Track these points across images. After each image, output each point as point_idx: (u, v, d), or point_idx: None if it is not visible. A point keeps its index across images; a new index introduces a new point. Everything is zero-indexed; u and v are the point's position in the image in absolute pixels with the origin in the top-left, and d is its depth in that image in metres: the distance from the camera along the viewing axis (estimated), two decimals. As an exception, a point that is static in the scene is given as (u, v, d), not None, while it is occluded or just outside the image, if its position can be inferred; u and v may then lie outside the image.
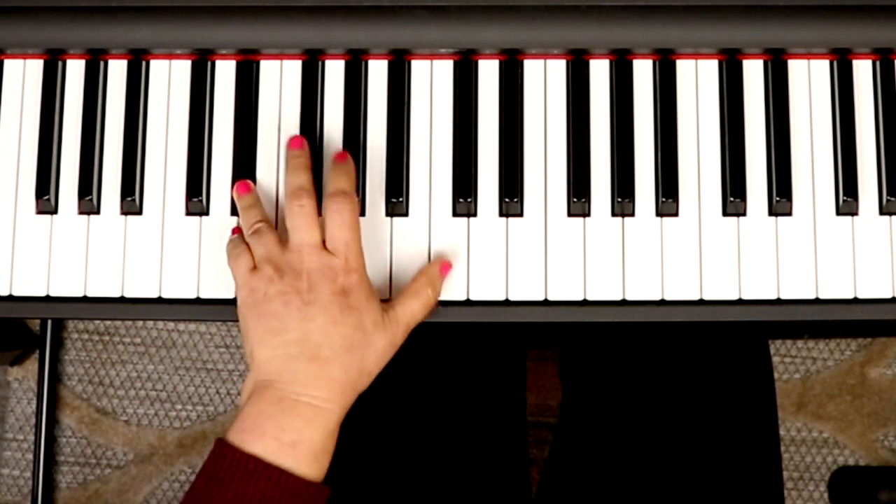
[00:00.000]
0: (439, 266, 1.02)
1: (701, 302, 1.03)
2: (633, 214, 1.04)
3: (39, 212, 1.06)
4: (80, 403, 1.82)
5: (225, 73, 1.07)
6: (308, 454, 0.92)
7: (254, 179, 1.05)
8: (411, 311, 0.99)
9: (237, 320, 1.02)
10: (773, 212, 1.04)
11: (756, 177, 1.05)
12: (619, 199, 1.04)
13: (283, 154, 1.06)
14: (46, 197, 1.05)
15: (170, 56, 1.07)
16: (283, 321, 0.94)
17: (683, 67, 1.06)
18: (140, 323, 1.82)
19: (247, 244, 1.00)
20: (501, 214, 1.05)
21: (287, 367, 0.94)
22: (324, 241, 0.97)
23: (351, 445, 1.16)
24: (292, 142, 1.03)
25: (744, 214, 1.04)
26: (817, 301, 1.03)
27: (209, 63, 1.07)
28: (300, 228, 0.97)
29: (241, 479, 0.90)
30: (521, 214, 1.04)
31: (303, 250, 0.96)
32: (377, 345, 0.96)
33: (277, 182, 1.06)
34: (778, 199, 1.03)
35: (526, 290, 1.03)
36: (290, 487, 0.90)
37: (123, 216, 1.05)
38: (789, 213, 1.04)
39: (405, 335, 0.98)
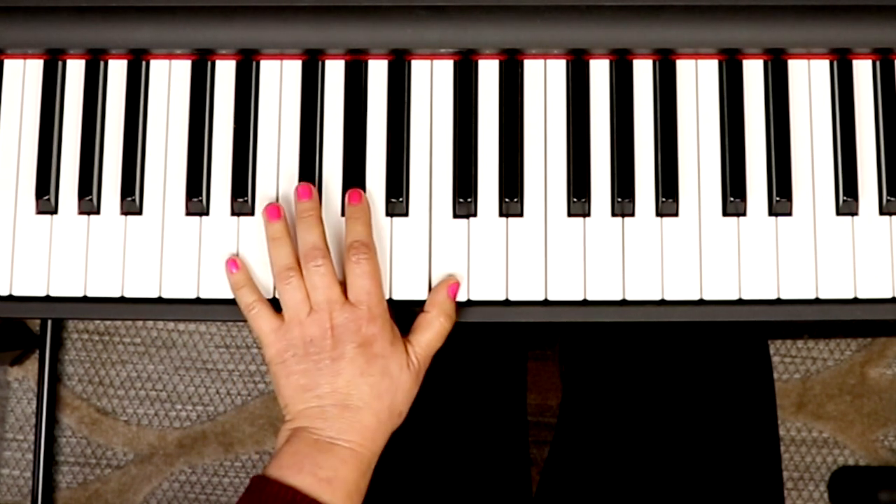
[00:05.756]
0: (446, 290, 1.02)
1: (701, 302, 1.03)
2: (633, 214, 1.04)
3: (39, 212, 1.06)
4: (80, 403, 1.82)
5: (225, 73, 1.07)
6: (343, 492, 0.95)
7: (254, 179, 1.05)
8: (428, 343, 1.01)
9: (237, 320, 1.02)
10: (773, 212, 1.04)
11: (756, 177, 1.04)
12: (619, 199, 1.04)
13: (284, 154, 1.06)
14: (46, 197, 1.05)
15: (170, 56, 1.07)
16: (313, 378, 0.97)
17: (683, 67, 1.06)
18: (140, 323, 1.82)
19: (262, 297, 1.01)
20: (501, 214, 1.05)
21: (321, 416, 0.97)
22: (345, 289, 0.99)
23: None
24: (300, 192, 1.02)
25: (744, 214, 1.04)
26: (817, 301, 1.03)
27: (209, 63, 1.07)
28: (320, 288, 0.99)
29: None
30: (521, 214, 1.04)
31: (324, 308, 0.98)
32: (404, 386, 0.99)
33: (277, 183, 1.05)
34: (778, 199, 1.03)
35: (526, 290, 1.03)
36: None
37: (123, 216, 1.05)
38: (789, 213, 1.04)
39: (426, 367, 1.01)
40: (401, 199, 1.04)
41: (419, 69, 1.07)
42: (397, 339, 0.99)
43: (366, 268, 0.99)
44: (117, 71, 1.07)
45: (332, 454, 0.95)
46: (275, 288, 1.03)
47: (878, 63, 1.06)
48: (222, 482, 1.81)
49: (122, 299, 1.05)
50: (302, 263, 1.00)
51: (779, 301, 1.03)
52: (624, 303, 1.03)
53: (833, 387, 1.80)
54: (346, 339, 0.97)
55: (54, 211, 1.06)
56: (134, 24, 1.05)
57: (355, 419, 0.97)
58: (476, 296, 1.04)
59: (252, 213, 1.05)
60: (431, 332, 1.01)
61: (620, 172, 1.04)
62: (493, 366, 1.22)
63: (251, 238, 1.04)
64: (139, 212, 1.05)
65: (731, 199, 1.03)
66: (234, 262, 1.03)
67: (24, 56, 1.07)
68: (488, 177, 1.05)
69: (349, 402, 0.97)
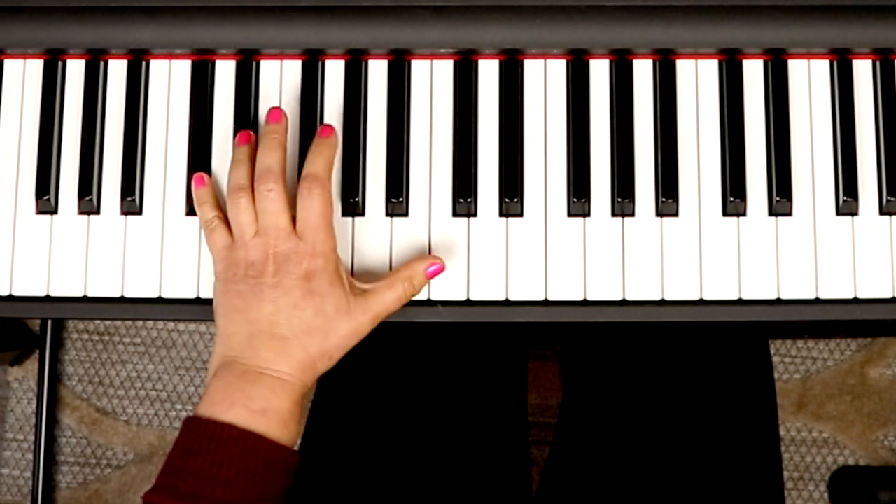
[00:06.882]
0: (426, 266, 1.01)
1: (701, 302, 1.03)
2: (633, 214, 1.04)
3: (39, 212, 1.06)
4: (80, 403, 1.82)
5: (225, 73, 1.07)
6: (277, 421, 0.94)
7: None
8: (382, 300, 0.99)
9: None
10: (773, 212, 1.04)
11: (756, 177, 1.05)
12: (619, 199, 1.04)
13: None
14: (46, 197, 1.05)
15: (170, 56, 1.07)
16: (248, 301, 0.97)
17: (683, 67, 1.06)
18: (140, 323, 1.82)
19: (223, 215, 1.01)
20: (501, 214, 1.05)
21: (249, 343, 0.96)
22: (295, 220, 0.99)
23: (353, 445, 1.16)
24: (271, 114, 1.03)
25: (744, 214, 1.04)
26: (817, 301, 1.03)
27: (209, 63, 1.07)
28: (268, 213, 0.98)
29: (217, 447, 0.92)
30: (521, 214, 1.04)
31: (270, 234, 0.98)
32: (339, 330, 0.97)
33: (277, 182, 1.06)
34: (778, 199, 1.03)
35: (526, 290, 1.03)
36: (265, 451, 0.93)
37: (123, 216, 1.05)
38: (789, 213, 1.04)
39: (373, 324, 0.99)
40: (401, 199, 1.04)
41: (419, 69, 1.07)
42: (339, 281, 0.98)
43: (316, 203, 0.98)
44: (117, 71, 1.07)
45: (261, 384, 0.95)
46: None
47: (878, 63, 1.06)
48: (222, 482, 1.80)
49: (122, 299, 1.05)
50: (255, 185, 1.00)
51: (779, 301, 1.03)
52: (624, 303, 1.03)
53: (833, 387, 1.80)
54: (285, 270, 0.97)
55: (54, 211, 1.06)
56: (134, 24, 1.05)
57: (282, 349, 0.96)
58: (476, 296, 1.04)
59: (252, 213, 1.05)
60: (391, 292, 1.00)
61: (620, 172, 1.04)
62: (493, 366, 1.22)
63: (251, 238, 1.04)
64: (139, 212, 1.05)
65: (731, 199, 1.03)
66: (200, 178, 1.03)
67: (24, 56, 1.07)
68: (488, 177, 1.05)
69: (277, 330, 0.96)
